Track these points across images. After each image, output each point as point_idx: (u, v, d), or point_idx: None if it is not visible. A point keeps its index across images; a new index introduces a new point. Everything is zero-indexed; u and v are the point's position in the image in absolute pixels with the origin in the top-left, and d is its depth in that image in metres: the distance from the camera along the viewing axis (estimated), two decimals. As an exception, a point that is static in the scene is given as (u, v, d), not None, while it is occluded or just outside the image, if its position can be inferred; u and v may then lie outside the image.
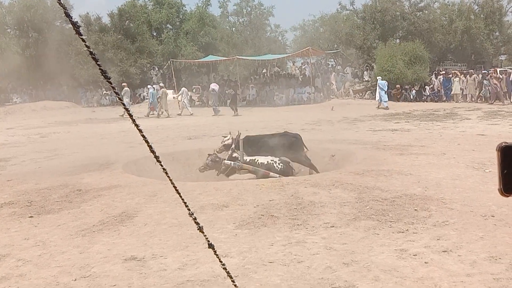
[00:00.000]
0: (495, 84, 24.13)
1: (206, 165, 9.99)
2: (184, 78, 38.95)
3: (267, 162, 9.88)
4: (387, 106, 25.38)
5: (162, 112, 25.56)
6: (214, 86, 27.78)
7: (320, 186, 7.53)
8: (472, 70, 28.32)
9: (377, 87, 26.79)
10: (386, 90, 26.42)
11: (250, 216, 6.09)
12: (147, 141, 1.29)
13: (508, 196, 1.08)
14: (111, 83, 1.26)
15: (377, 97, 26.61)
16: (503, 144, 1.04)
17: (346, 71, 33.49)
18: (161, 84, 27.79)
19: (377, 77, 27.71)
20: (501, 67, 32.28)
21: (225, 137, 10.75)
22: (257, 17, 41.95)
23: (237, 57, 32.10)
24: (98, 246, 5.26)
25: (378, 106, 25.81)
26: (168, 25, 42.67)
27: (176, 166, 10.92)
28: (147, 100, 31.34)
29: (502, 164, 1.03)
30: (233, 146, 10.33)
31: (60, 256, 5.01)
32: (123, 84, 28.17)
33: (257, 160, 9.98)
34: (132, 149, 12.52)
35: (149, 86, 28.72)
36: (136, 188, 7.98)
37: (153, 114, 25.99)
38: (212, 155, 10.12)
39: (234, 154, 10.15)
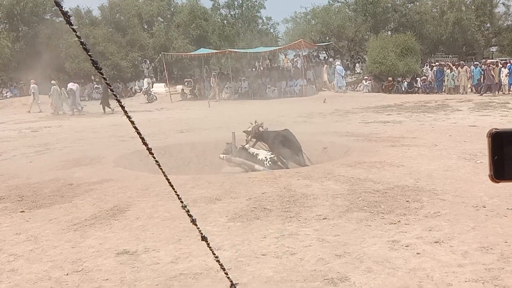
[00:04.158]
0: (492, 75, 24.46)
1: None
2: (176, 71, 38.74)
3: (261, 158, 9.81)
4: (344, 90, 28.54)
5: (61, 111, 25.27)
6: (71, 85, 26.35)
7: (312, 178, 7.55)
8: (463, 62, 28.48)
9: (335, 72, 29.15)
10: (343, 75, 29.23)
11: (242, 209, 6.09)
12: (139, 133, 1.27)
13: (498, 182, 1.07)
14: (102, 74, 1.24)
15: (335, 82, 29.29)
16: (494, 130, 1.03)
17: (334, 63, 33.49)
18: (53, 82, 26.47)
19: (336, 62, 30.13)
20: (492, 59, 32.46)
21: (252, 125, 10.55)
22: (248, 10, 41.66)
23: (229, 50, 31.95)
24: (90, 240, 5.24)
25: (336, 91, 28.57)
26: (159, 18, 42.34)
27: (169, 160, 10.89)
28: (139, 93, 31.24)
29: (492, 150, 1.02)
30: (249, 137, 10.40)
31: (52, 250, 4.99)
32: (31, 80, 27.48)
33: (257, 154, 9.95)
34: (124, 142, 12.46)
35: (53, 82, 27.17)
36: (128, 182, 7.95)
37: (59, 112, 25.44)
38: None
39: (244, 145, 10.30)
